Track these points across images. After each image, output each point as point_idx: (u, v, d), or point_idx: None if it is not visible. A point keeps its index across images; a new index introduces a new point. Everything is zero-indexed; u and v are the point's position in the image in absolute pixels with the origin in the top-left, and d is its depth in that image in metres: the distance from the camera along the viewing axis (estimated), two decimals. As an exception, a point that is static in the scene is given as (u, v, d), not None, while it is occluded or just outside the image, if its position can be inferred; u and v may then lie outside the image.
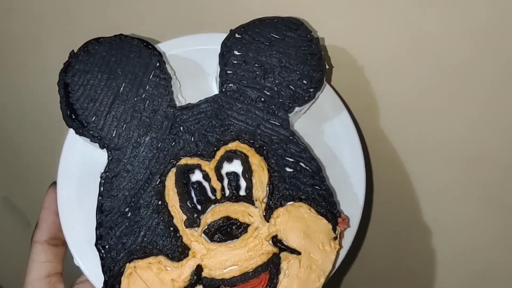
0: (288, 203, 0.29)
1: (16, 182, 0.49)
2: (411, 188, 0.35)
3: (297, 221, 0.29)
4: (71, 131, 0.32)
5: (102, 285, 0.29)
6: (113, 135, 0.30)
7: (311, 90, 0.31)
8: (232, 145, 0.30)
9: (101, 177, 0.30)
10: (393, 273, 0.41)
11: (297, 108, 0.31)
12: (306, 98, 0.31)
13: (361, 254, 0.41)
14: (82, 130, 0.30)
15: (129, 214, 0.29)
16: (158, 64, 0.30)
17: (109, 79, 0.30)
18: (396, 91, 0.33)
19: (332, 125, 0.33)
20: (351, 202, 0.31)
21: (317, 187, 0.29)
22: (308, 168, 0.30)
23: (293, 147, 0.30)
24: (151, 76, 0.30)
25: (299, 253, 0.28)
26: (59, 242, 0.32)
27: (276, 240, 0.28)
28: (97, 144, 0.30)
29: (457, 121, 0.32)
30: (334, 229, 0.29)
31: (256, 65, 0.31)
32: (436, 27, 0.29)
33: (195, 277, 0.28)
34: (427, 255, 0.37)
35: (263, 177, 0.29)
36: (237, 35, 0.31)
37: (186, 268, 0.28)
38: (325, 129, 0.33)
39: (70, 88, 0.30)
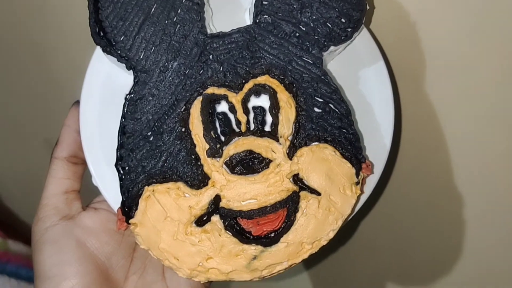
0: (313, 143, 0.29)
1: (56, 124, 0.49)
2: (442, 151, 0.34)
3: (320, 162, 0.28)
4: (97, 52, 0.32)
5: (119, 206, 0.29)
6: (141, 57, 0.29)
7: (349, 29, 0.29)
8: (262, 79, 0.29)
9: (126, 99, 0.29)
10: (411, 227, 0.41)
11: (332, 48, 0.29)
12: (342, 37, 0.29)
13: (380, 202, 0.41)
14: (109, 48, 0.29)
15: (151, 138, 0.29)
16: (192, -12, 0.29)
17: (141, -2, 0.29)
18: (442, 46, 0.31)
19: (366, 71, 0.31)
20: (376, 152, 0.30)
21: (344, 130, 0.29)
22: (337, 110, 0.29)
23: (324, 87, 0.29)
24: (183, 0, 0.29)
25: (319, 194, 0.28)
26: (79, 161, 0.32)
27: (297, 179, 0.28)
28: (123, 66, 0.29)
29: (505, 89, 0.30)
30: (357, 174, 0.28)
31: (294, -3, 0.29)
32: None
33: (212, 206, 0.28)
34: (450, 218, 0.37)
35: (290, 114, 0.28)
36: (277, -36, 0.30)
37: (204, 196, 0.28)
38: (358, 74, 0.32)
39: (100, 4, 0.29)
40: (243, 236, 0.28)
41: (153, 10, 0.29)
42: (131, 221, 0.28)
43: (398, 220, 0.41)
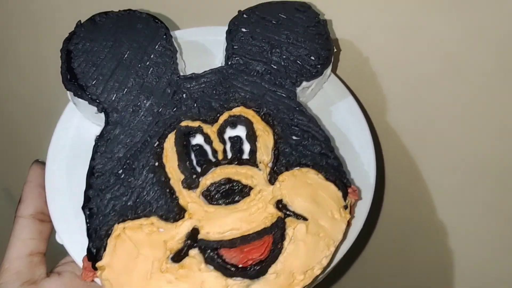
0: (295, 168, 0.27)
1: (16, 174, 0.47)
2: (420, 181, 0.34)
3: (303, 186, 0.26)
4: (68, 107, 0.31)
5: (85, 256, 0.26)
6: (113, 98, 0.28)
7: (319, 66, 0.30)
8: (236, 110, 0.28)
9: (96, 140, 0.28)
10: (399, 265, 0.38)
11: (304, 83, 0.30)
12: (313, 73, 0.30)
13: (371, 243, 0.38)
14: (80, 92, 0.28)
15: (122, 176, 0.27)
16: (164, 36, 0.30)
17: (114, 46, 0.30)
18: (402, 85, 0.33)
19: (338, 111, 0.32)
20: (361, 180, 0.29)
21: (325, 156, 0.28)
22: (316, 137, 0.28)
23: (300, 117, 0.29)
24: (156, 46, 0.30)
25: (306, 219, 0.26)
26: (46, 218, 0.29)
27: (281, 206, 0.26)
28: (94, 117, 0.29)
29: (465, 119, 0.31)
30: (345, 198, 0.27)
31: (263, 40, 0.30)
32: (443, 24, 0.29)
33: (190, 239, 0.25)
34: (436, 253, 0.34)
35: (268, 141, 0.27)
36: (245, 15, 0.31)
37: (181, 229, 0.25)
38: (332, 114, 0.32)
39: (73, 55, 0.29)
40: (227, 269, 0.24)
41: (126, 56, 0.29)
42: (97, 264, 0.25)
43: (396, 247, 0.38)
